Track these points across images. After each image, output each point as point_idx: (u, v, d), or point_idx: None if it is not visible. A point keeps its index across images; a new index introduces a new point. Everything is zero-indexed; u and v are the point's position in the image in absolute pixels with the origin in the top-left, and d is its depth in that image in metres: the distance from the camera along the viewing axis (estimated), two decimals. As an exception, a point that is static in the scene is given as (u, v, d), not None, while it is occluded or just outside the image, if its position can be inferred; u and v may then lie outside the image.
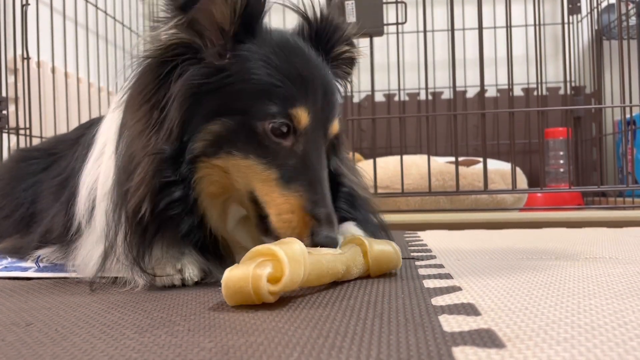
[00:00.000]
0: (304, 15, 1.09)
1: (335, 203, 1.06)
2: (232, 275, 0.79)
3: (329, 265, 0.91)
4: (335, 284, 0.96)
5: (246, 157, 0.96)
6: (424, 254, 1.38)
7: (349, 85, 1.25)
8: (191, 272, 1.00)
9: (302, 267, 0.82)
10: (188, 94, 0.95)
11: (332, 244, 0.94)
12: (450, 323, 0.68)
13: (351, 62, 1.19)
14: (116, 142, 1.04)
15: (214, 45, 0.98)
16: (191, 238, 0.99)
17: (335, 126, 1.06)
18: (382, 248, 1.03)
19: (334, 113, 1.06)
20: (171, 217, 0.97)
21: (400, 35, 2.68)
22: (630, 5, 3.05)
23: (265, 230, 0.97)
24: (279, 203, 0.95)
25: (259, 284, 0.77)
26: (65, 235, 1.16)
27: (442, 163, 2.71)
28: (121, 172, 1.00)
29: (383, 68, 3.39)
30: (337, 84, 1.14)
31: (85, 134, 1.38)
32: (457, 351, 0.57)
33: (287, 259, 0.79)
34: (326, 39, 1.10)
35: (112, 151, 1.05)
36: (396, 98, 3.45)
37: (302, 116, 0.97)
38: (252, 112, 0.96)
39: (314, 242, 0.92)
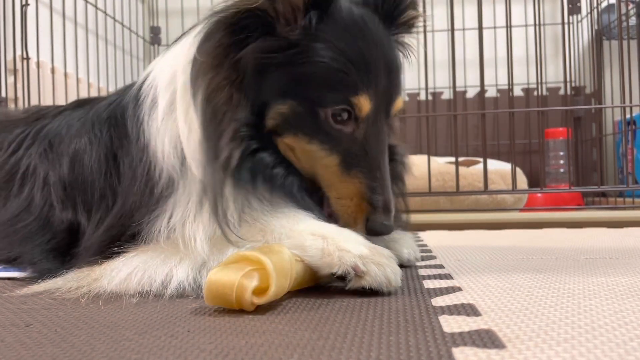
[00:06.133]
0: None
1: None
2: (216, 279, 0.78)
3: (312, 270, 0.90)
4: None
5: (310, 142, 0.98)
6: (424, 254, 1.38)
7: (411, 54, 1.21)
8: None
9: (289, 279, 0.83)
10: (257, 64, 0.95)
11: (386, 231, 0.97)
12: (450, 323, 0.68)
13: (412, 25, 1.15)
14: (192, 95, 0.98)
15: (285, 18, 0.96)
16: (290, 182, 0.99)
17: (398, 104, 1.06)
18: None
19: (398, 92, 1.06)
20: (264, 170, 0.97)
21: (400, 35, 2.67)
22: (630, 5, 3.05)
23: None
24: (339, 188, 0.98)
25: (244, 295, 0.77)
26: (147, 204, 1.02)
27: (442, 163, 2.70)
28: (207, 125, 0.96)
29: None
30: (402, 56, 1.13)
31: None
32: (457, 352, 0.56)
33: (275, 272, 0.79)
34: (393, 7, 1.09)
35: (188, 104, 1.00)
36: (396, 98, 3.44)
37: (364, 104, 0.97)
38: (316, 98, 0.96)
39: (367, 228, 0.95)
